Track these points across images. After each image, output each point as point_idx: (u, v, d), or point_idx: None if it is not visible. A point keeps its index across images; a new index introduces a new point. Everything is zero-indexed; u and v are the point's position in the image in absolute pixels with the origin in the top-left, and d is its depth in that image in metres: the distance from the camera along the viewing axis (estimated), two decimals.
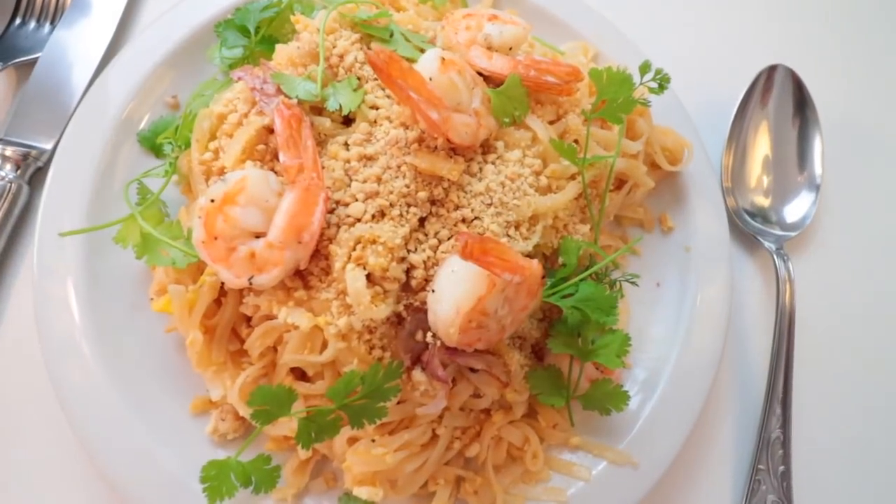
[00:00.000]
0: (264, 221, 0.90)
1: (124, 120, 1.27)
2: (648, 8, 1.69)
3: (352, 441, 1.03)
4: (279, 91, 0.98)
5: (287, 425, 1.03)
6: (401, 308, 0.98)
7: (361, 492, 0.98)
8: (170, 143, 1.18)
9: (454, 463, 1.11)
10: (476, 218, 1.00)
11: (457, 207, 1.00)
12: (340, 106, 1.01)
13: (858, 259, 1.48)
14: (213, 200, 0.89)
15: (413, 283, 0.97)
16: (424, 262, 0.97)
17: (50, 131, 1.35)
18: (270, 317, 1.00)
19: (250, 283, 0.90)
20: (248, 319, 1.07)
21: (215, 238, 0.89)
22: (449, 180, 0.99)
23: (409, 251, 0.97)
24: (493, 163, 1.04)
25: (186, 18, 1.31)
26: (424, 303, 0.98)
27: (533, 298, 0.96)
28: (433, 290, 0.93)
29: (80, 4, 1.46)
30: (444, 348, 0.96)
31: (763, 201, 1.48)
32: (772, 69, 1.52)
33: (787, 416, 1.24)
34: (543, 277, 0.94)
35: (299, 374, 1.07)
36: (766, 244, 1.43)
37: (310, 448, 0.96)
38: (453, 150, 1.00)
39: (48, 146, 1.34)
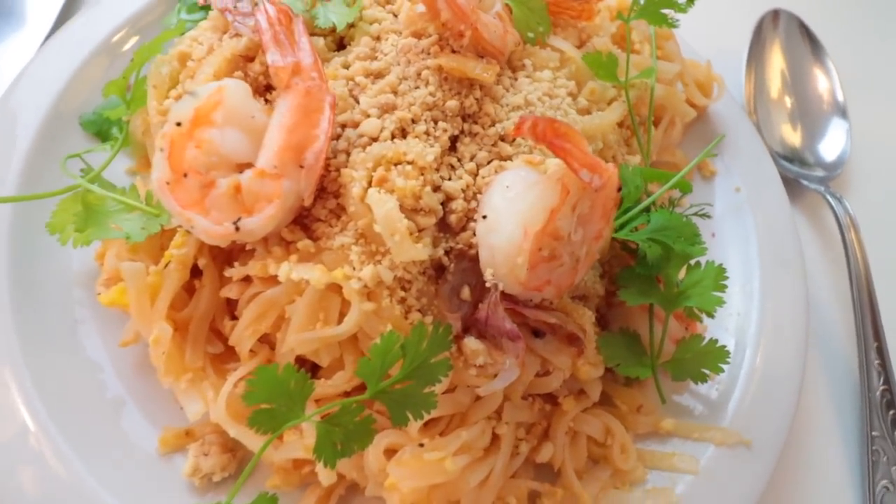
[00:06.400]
0: (250, 147, 0.67)
1: (61, 105, 1.04)
2: None
3: (390, 453, 0.76)
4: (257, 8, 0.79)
5: (298, 444, 0.76)
6: (440, 253, 0.74)
7: None
8: (119, 120, 0.95)
9: (522, 474, 0.86)
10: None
11: (493, 123, 0.79)
12: (334, 24, 0.82)
13: None
14: (179, 124, 0.66)
15: (452, 218, 0.74)
16: (463, 192, 0.74)
17: None
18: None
19: (237, 228, 0.65)
20: (232, 309, 0.81)
21: (184, 175, 0.65)
22: (482, 89, 0.79)
23: (442, 179, 0.75)
24: (526, 77, 0.85)
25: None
26: (469, 245, 0.75)
27: (608, 222, 0.75)
28: (484, 217, 0.70)
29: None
30: (504, 298, 0.72)
31: (794, 137, 1.35)
32: (775, 13, 1.46)
33: (888, 366, 1.08)
34: (619, 191, 0.73)
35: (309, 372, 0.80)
36: (813, 186, 1.29)
37: (335, 465, 0.68)
38: (480, 57, 0.81)
39: None
